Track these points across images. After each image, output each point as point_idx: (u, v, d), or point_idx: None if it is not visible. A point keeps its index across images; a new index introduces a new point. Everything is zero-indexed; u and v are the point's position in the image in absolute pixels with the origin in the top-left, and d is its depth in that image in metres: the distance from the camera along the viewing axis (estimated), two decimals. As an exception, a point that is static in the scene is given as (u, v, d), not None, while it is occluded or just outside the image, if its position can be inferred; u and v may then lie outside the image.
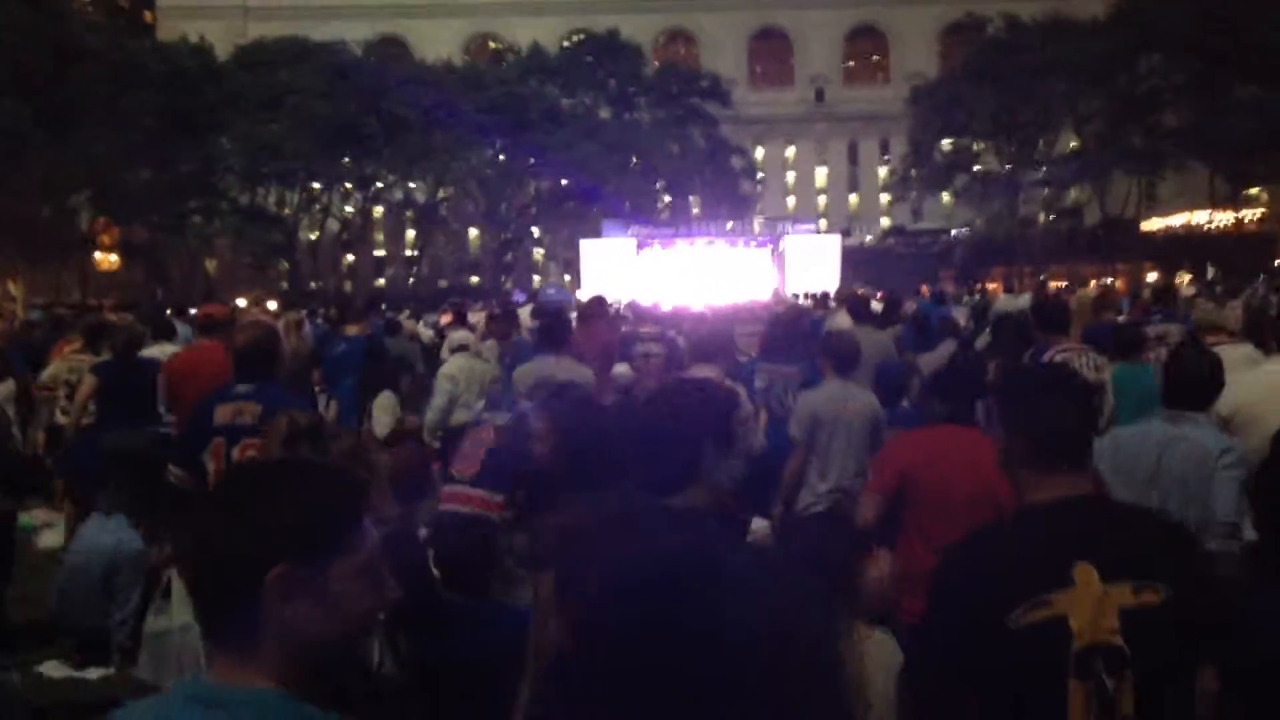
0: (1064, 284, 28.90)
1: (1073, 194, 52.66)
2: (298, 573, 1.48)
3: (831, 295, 16.57)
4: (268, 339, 5.00)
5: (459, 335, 11.85)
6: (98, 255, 50.19)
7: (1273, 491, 2.70)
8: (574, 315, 11.04)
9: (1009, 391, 2.61)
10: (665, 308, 17.15)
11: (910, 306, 17.87)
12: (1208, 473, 3.97)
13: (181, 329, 11.34)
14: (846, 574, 2.73)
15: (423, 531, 3.94)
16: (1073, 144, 50.18)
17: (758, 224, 34.61)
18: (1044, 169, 49.21)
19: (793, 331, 6.95)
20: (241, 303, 35.06)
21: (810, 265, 28.61)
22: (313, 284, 48.66)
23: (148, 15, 70.16)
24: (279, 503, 1.54)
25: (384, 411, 7.12)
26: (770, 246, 30.30)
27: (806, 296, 20.31)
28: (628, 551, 1.03)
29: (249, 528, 1.50)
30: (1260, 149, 41.80)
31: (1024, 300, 14.77)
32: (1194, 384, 4.28)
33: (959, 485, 4.11)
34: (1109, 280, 36.07)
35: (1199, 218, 51.17)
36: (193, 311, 14.14)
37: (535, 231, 53.51)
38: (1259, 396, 4.77)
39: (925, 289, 29.92)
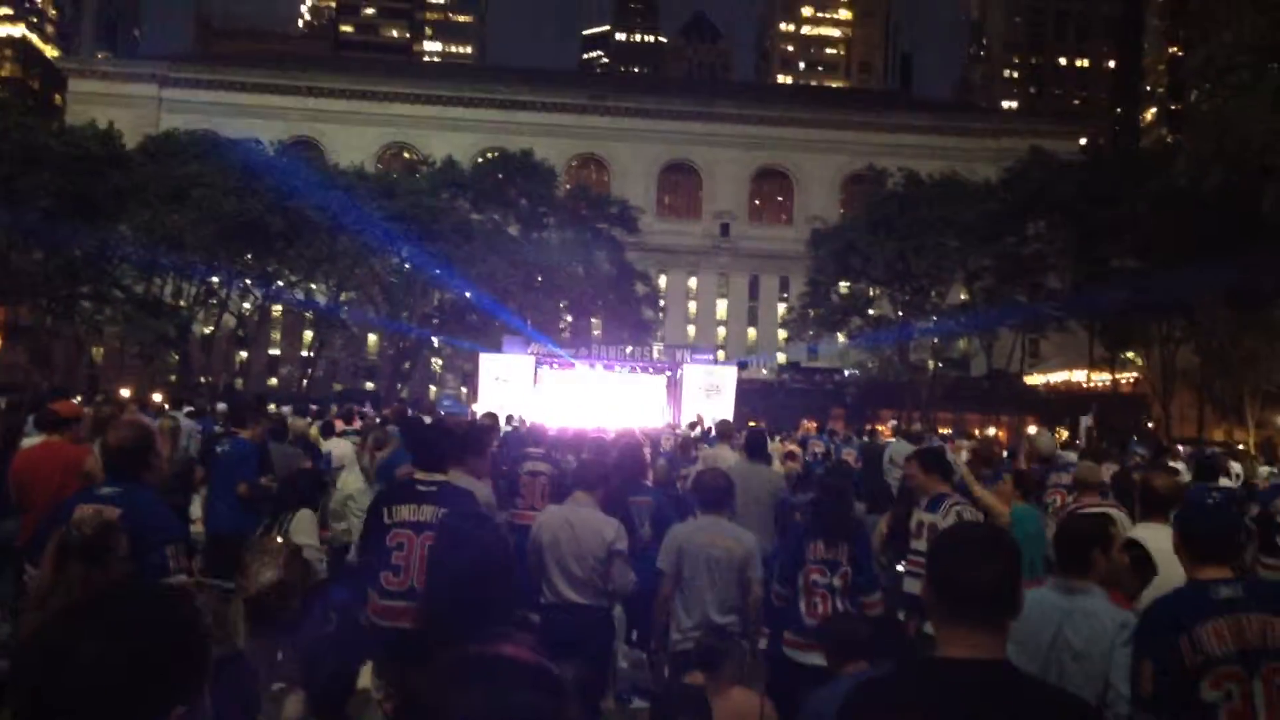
0: (948, 431, 29.77)
1: (961, 345, 54.56)
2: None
3: (713, 428, 16.54)
4: (140, 440, 4.78)
5: (341, 452, 11.63)
6: (-24, 334, 48.34)
7: None
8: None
9: (933, 543, 2.60)
10: (562, 426, 17.08)
11: (817, 447, 18.12)
12: (1107, 647, 3.92)
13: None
14: None
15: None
16: (962, 296, 52.25)
17: (657, 350, 34.92)
18: (934, 319, 50.99)
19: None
20: (125, 393, 34.06)
21: (706, 395, 28.88)
22: (202, 379, 47.36)
23: (58, 98, 69.25)
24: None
25: (305, 534, 6.95)
26: (667, 374, 30.56)
27: (690, 426, 20.48)
28: None
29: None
30: (1134, 316, 44.15)
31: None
32: (1081, 546, 4.25)
33: None
34: (990, 431, 37.24)
35: (1078, 376, 53.55)
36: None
37: (435, 341, 53.22)
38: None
39: (812, 424, 30.43)
